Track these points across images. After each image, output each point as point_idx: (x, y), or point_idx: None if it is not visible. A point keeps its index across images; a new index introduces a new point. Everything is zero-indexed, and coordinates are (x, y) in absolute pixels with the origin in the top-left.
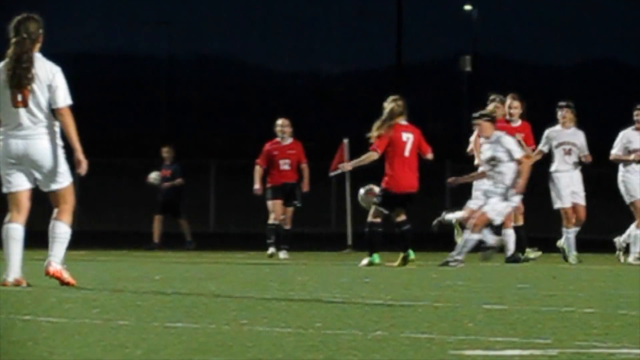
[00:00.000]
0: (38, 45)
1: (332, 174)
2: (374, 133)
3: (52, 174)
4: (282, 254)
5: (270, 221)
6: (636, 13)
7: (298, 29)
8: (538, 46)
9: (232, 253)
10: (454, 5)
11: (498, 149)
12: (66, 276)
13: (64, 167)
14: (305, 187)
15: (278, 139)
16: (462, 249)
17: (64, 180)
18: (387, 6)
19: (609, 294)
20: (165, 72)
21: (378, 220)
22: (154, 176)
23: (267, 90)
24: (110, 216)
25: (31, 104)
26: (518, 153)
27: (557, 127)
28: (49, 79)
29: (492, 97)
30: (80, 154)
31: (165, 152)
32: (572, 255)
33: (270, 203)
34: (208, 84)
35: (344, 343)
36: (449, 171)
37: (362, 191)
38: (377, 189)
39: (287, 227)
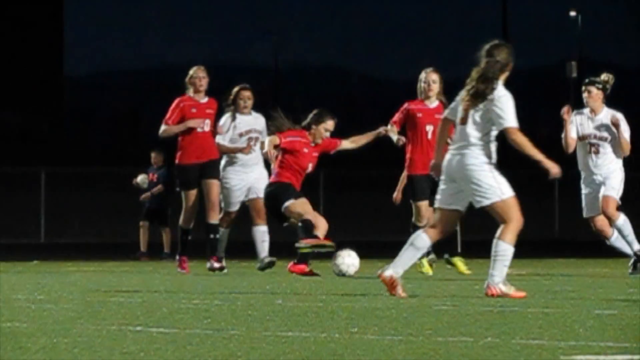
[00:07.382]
0: (506, 74)
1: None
2: None
3: (476, 190)
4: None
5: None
6: None
7: (402, 37)
8: None
9: None
10: (559, 12)
11: None
12: (508, 291)
13: (489, 182)
14: None
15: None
16: None
17: (491, 195)
18: (492, 13)
19: None
20: (270, 82)
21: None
22: (141, 178)
23: (371, 99)
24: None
25: (469, 122)
26: None
27: None
28: (493, 102)
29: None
30: (545, 163)
31: (153, 156)
32: None
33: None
34: (312, 93)
35: (455, 350)
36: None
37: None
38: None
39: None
